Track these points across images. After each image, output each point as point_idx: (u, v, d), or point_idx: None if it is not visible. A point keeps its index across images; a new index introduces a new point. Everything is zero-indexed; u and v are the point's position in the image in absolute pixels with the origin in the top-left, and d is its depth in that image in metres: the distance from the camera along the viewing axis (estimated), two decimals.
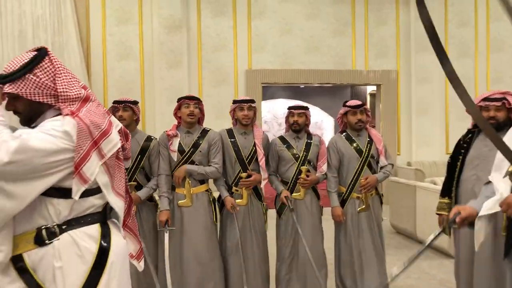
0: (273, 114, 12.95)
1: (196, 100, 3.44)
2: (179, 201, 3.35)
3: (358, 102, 3.61)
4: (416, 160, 8.02)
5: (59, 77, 1.70)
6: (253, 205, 3.51)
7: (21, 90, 1.65)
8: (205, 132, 3.47)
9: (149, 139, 3.41)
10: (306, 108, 3.65)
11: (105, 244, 1.71)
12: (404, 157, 8.20)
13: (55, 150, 1.59)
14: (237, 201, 3.45)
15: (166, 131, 3.42)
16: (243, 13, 7.72)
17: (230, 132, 3.58)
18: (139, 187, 3.35)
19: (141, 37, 7.36)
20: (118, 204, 1.83)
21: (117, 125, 1.91)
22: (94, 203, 1.74)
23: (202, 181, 3.42)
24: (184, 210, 3.35)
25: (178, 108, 3.45)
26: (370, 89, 11.60)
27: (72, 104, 1.71)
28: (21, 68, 1.65)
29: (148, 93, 7.29)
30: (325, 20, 7.89)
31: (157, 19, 7.25)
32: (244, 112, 3.51)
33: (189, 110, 3.37)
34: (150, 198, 3.45)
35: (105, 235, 1.74)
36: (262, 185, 3.53)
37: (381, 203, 3.66)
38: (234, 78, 7.74)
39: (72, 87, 1.73)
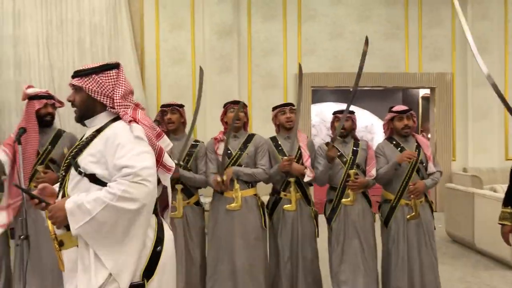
0: (321, 117, 12.79)
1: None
2: (228, 205, 3.35)
3: (404, 107, 3.53)
4: (472, 166, 7.68)
5: (119, 87, 1.97)
6: (302, 210, 3.47)
7: (83, 84, 1.94)
8: (251, 136, 3.50)
9: (195, 143, 3.47)
10: (352, 113, 3.58)
11: (159, 234, 1.92)
12: (459, 163, 7.89)
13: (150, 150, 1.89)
14: (285, 206, 3.43)
15: (213, 137, 3.48)
16: (293, 17, 7.71)
17: (274, 139, 3.59)
18: (186, 189, 3.40)
19: (193, 43, 7.51)
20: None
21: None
22: None
23: (251, 185, 3.43)
24: (233, 214, 3.35)
25: (224, 113, 3.50)
26: (423, 92, 11.24)
27: (127, 109, 1.96)
28: (90, 69, 1.97)
29: None
30: (376, 22, 7.74)
31: (209, 25, 7.37)
32: (287, 115, 3.52)
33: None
34: (197, 202, 3.49)
35: (160, 225, 1.95)
36: (306, 180, 3.42)
37: (432, 210, 3.53)
38: (283, 82, 7.74)
39: (126, 98, 1.99)
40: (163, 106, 3.49)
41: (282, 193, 3.48)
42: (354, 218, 3.44)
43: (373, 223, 3.53)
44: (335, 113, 3.64)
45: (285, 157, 3.35)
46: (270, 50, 7.69)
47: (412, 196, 3.36)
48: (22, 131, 2.93)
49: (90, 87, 1.93)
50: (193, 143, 3.46)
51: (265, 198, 3.61)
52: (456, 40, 7.82)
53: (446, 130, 7.88)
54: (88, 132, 1.99)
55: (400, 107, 3.53)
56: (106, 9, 7.04)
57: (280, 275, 3.46)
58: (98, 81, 1.94)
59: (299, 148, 3.49)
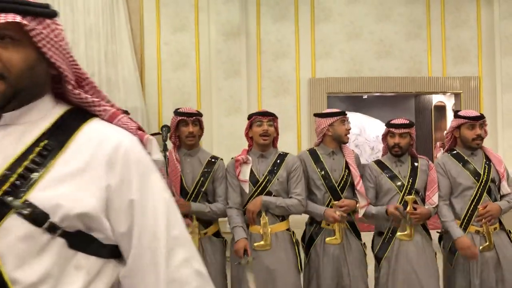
0: None
1: (271, 117, 2.78)
2: (255, 243, 2.67)
3: (475, 113, 2.86)
4: None
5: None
6: (349, 243, 2.79)
7: (37, 27, 0.95)
8: (282, 156, 2.80)
9: (213, 160, 2.79)
10: (411, 126, 2.90)
11: None
12: None
13: None
14: (328, 239, 2.74)
15: (235, 156, 2.78)
16: (306, 17, 7.08)
17: (313, 153, 2.89)
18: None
19: (198, 46, 6.87)
20: None
21: None
22: None
23: (283, 218, 2.74)
24: (261, 254, 2.65)
25: (249, 126, 2.80)
26: (436, 100, 10.61)
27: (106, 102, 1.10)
28: (44, 6, 0.98)
29: (205, 105, 6.73)
30: (397, 22, 7.13)
31: (215, 25, 6.73)
32: (347, 127, 2.87)
33: (263, 129, 2.71)
34: (217, 233, 2.80)
35: None
36: (361, 214, 2.81)
37: (510, 240, 2.86)
38: (296, 87, 7.10)
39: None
40: (180, 114, 2.76)
41: (323, 223, 2.79)
42: (412, 256, 2.75)
43: (435, 261, 2.85)
44: (389, 126, 2.95)
45: (332, 212, 2.70)
46: (281, 53, 7.05)
47: (483, 220, 2.71)
48: None
49: (47, 37, 0.97)
50: (209, 159, 2.79)
51: (299, 231, 2.92)
52: (483, 41, 7.22)
53: None
54: (4, 133, 0.97)
55: (470, 112, 2.86)
56: (102, 9, 6.40)
57: None
58: (54, 30, 0.99)
59: (346, 165, 2.82)
